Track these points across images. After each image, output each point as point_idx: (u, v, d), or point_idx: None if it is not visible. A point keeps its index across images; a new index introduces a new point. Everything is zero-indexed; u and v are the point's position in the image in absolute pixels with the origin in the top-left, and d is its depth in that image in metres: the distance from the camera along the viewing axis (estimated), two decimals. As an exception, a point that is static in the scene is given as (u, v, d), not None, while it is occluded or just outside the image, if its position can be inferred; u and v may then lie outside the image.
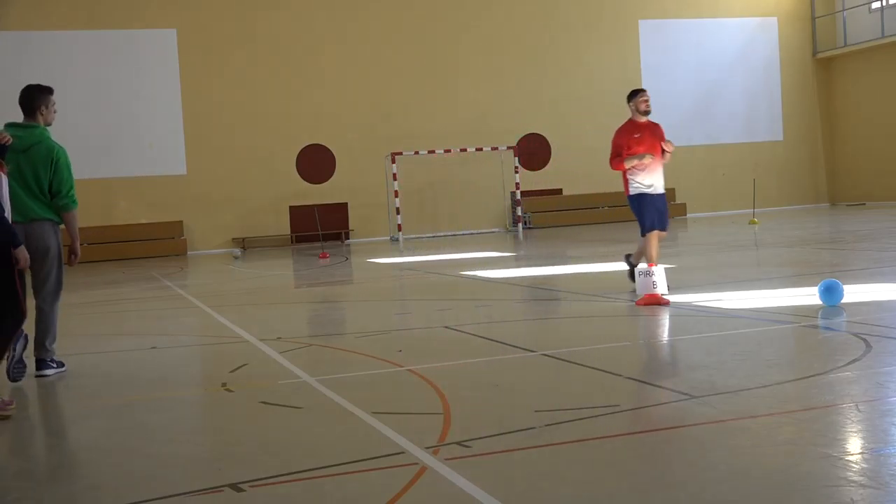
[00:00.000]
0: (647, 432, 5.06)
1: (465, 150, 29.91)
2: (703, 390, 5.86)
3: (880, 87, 32.92)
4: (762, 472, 4.28)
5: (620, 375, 6.58)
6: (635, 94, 11.36)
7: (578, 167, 32.09)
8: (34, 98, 7.79)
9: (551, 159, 32.19)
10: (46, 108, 7.82)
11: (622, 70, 32.68)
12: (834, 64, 34.85)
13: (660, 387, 6.30)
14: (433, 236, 29.38)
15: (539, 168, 32.06)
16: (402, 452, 4.86)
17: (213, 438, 5.75)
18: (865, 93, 33.54)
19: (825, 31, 34.88)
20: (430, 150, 29.62)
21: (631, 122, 11.37)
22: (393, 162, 28.43)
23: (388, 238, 29.49)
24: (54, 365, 7.98)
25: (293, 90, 29.88)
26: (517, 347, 7.97)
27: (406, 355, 7.79)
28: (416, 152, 29.32)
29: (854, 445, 4.62)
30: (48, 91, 7.87)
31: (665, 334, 8.63)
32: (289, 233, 29.93)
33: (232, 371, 7.57)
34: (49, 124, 7.90)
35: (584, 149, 32.12)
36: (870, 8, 33.07)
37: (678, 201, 32.89)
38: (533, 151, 31.88)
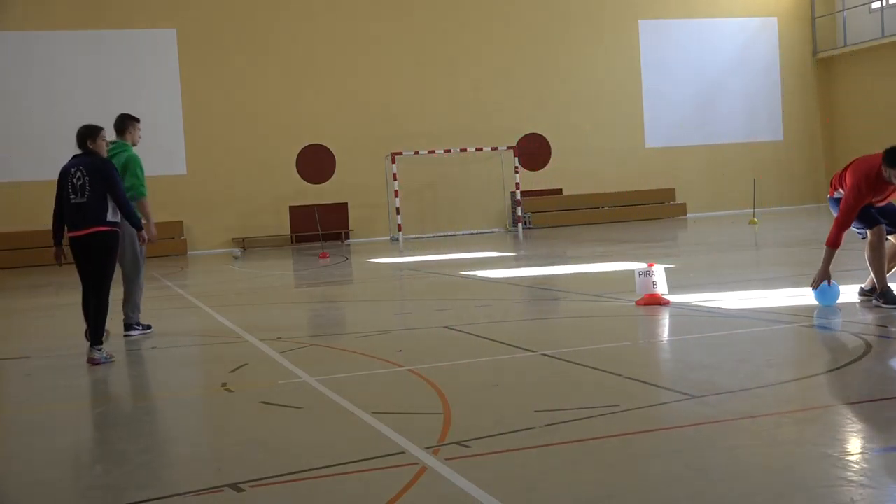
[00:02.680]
0: (646, 432, 5.06)
1: (465, 149, 29.92)
2: (702, 390, 5.86)
3: (880, 87, 32.92)
4: (762, 472, 4.28)
5: (620, 375, 6.58)
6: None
7: (579, 167, 32.10)
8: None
9: (551, 159, 32.20)
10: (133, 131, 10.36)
11: (622, 70, 32.70)
12: (834, 64, 34.86)
13: (660, 387, 6.30)
14: (433, 236, 29.39)
15: (539, 168, 32.07)
16: (402, 452, 4.86)
17: (213, 438, 5.76)
18: (865, 93, 33.54)
19: (825, 31, 34.88)
20: (430, 149, 29.64)
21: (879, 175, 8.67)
22: (393, 162, 28.44)
23: (388, 238, 29.49)
24: (139, 328, 10.03)
25: (293, 90, 29.89)
26: (517, 347, 7.97)
27: (406, 355, 7.79)
28: (416, 152, 29.34)
29: (854, 445, 4.62)
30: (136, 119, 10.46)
31: (665, 334, 8.63)
32: (289, 233, 29.93)
33: (232, 371, 7.57)
34: (135, 144, 10.36)
35: (584, 149, 32.15)
36: (870, 8, 33.07)
37: (678, 201, 32.91)
38: (533, 151, 31.88)
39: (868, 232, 8.88)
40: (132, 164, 10.02)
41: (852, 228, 9.01)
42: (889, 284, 8.83)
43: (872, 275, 8.90)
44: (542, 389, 6.38)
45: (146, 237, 9.30)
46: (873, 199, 8.76)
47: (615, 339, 8.23)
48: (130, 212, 8.78)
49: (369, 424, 5.50)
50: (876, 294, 8.86)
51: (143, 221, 9.57)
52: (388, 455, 4.82)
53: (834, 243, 8.79)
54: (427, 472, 4.52)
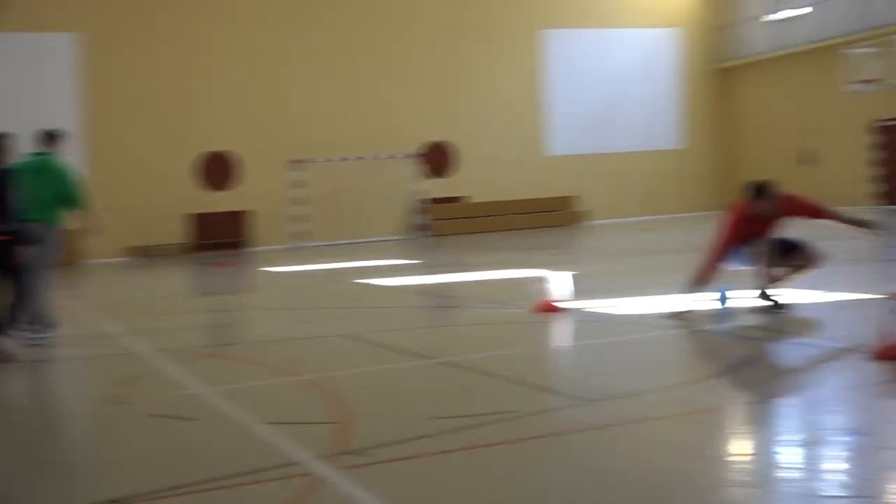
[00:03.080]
0: (541, 437, 5.12)
1: (369, 157, 29.86)
2: (597, 395, 5.95)
3: (775, 97, 33.85)
4: (652, 474, 4.36)
5: (516, 382, 6.64)
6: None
7: (484, 175, 32.25)
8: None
9: (457, 167, 32.33)
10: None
11: (526, 79, 32.98)
12: (733, 74, 35.72)
13: (555, 392, 6.38)
14: (336, 244, 29.25)
15: (444, 175, 32.17)
16: (297, 463, 4.83)
17: (106, 452, 5.64)
18: (761, 102, 34.44)
19: (724, 42, 35.71)
20: (334, 157, 29.53)
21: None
22: (296, 169, 28.23)
23: (291, 246, 29.27)
24: (30, 336, 9.71)
25: (195, 96, 29.43)
26: (415, 355, 7.99)
27: (304, 365, 7.75)
28: (321, 159, 29.20)
29: (740, 447, 4.75)
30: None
31: (560, 341, 8.74)
32: (189, 241, 29.47)
33: (125, 383, 7.42)
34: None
35: (489, 157, 32.31)
36: (764, 20, 33.99)
37: (581, 208, 33.32)
38: (438, 159, 31.97)
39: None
40: (72, 175, 10.44)
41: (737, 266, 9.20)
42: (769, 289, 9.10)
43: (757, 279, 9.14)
44: (440, 397, 6.41)
45: (26, 256, 8.98)
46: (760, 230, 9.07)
47: (511, 346, 8.31)
48: (19, 225, 8.85)
49: (265, 435, 5.46)
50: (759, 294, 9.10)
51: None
52: (284, 466, 4.79)
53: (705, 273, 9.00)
54: (322, 482, 4.50)
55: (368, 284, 15.12)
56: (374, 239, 30.13)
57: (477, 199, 32.33)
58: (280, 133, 29.87)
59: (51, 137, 10.52)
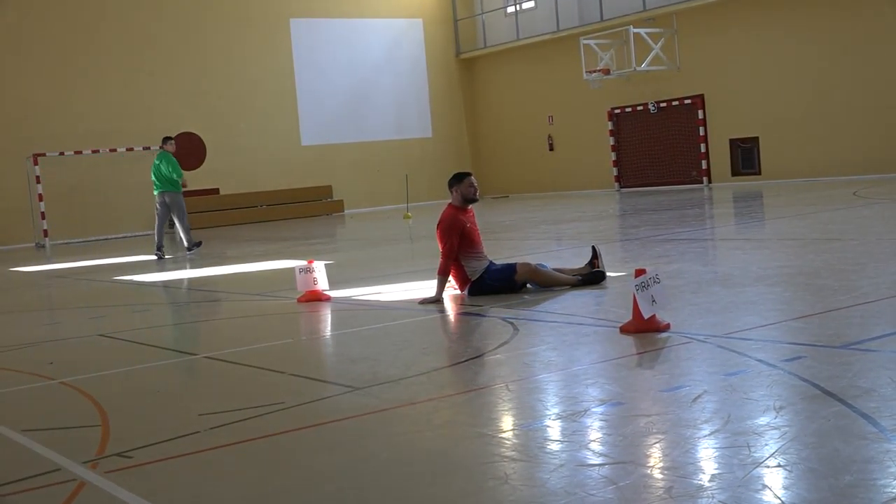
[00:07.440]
0: (312, 427, 5.12)
1: (114, 150, 28.80)
2: (364, 381, 6.00)
3: (517, 85, 35.09)
4: (423, 455, 4.45)
5: (284, 373, 6.61)
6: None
7: (235, 166, 31.75)
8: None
9: (207, 158, 31.56)
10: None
11: (275, 69, 32.67)
12: (476, 64, 36.72)
13: (323, 381, 6.39)
14: (84, 241, 28.04)
15: (194, 167, 31.33)
16: (58, 469, 4.61)
17: None
18: (504, 91, 35.62)
19: (467, 32, 36.66)
20: (77, 150, 28.28)
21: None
22: (35, 164, 26.90)
23: (33, 244, 27.83)
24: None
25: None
26: (178, 351, 7.80)
27: (58, 367, 7.41)
28: (62, 153, 27.91)
29: (506, 423, 4.92)
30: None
31: (327, 329, 8.76)
32: (-82, 243, 27.45)
33: None
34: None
35: (239, 148, 31.84)
36: (505, 12, 35.15)
37: (335, 198, 33.42)
38: (187, 150, 31.12)
39: (514, 275, 9.29)
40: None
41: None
42: (571, 275, 9.37)
43: (560, 285, 9.28)
44: (206, 392, 6.29)
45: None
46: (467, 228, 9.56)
47: (278, 336, 8.26)
48: None
49: (20, 443, 5.19)
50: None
51: None
52: (43, 473, 4.57)
53: (444, 271, 9.40)
54: (86, 487, 4.32)
55: (124, 281, 14.61)
56: (125, 235, 29.13)
57: (232, 191, 31.83)
58: (16, 127, 28.26)
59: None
